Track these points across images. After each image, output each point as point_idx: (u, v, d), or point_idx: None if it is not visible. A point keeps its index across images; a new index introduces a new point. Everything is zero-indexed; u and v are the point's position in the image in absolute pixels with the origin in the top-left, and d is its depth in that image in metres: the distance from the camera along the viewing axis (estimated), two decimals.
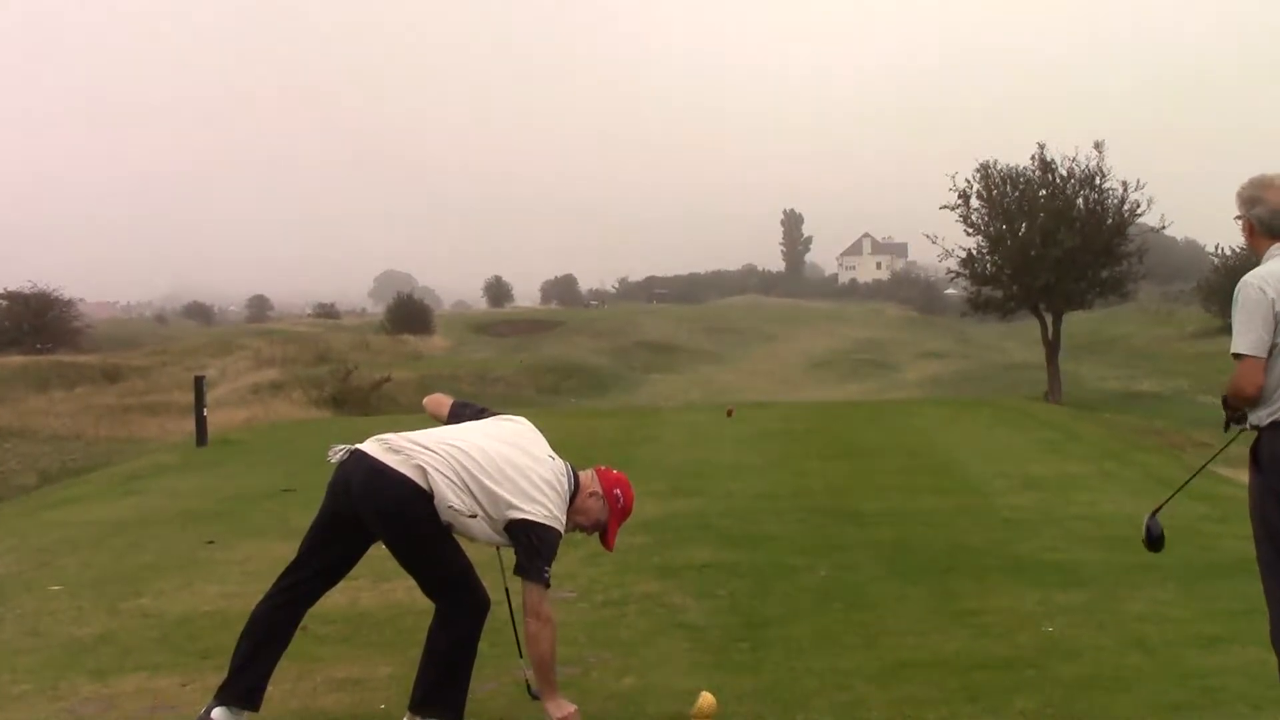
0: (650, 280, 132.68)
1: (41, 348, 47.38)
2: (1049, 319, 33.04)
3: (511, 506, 3.74)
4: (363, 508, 3.76)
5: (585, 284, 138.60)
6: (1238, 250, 50.73)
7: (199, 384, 16.19)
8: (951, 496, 9.14)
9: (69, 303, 53.11)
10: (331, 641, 5.18)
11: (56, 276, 55.38)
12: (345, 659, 4.92)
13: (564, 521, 3.89)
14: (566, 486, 3.93)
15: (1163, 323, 61.28)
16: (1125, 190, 31.69)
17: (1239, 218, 3.77)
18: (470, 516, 3.74)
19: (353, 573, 4.07)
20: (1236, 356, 3.56)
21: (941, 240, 33.66)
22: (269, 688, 3.91)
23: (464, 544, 3.87)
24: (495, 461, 3.79)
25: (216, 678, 4.00)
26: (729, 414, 17.37)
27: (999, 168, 32.94)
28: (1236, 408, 3.62)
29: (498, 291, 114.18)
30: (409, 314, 62.93)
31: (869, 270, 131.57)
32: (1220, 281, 50.53)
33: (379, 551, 3.94)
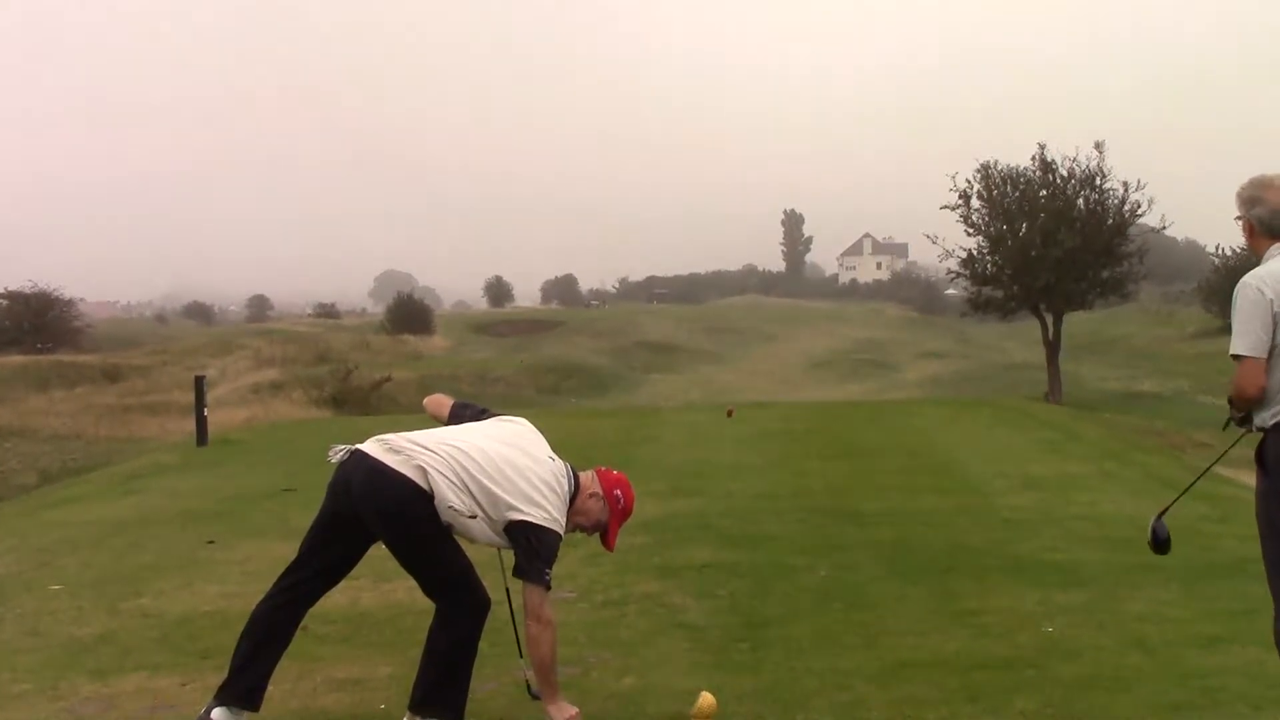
0: (650, 280, 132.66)
1: (42, 347, 47.38)
2: (1049, 319, 33.04)
3: (511, 508, 3.74)
4: (363, 508, 3.76)
5: (586, 284, 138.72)
6: (1238, 250, 50.71)
7: (199, 384, 16.19)
8: (951, 496, 9.14)
9: (69, 302, 53.09)
10: (332, 641, 5.18)
11: (57, 276, 55.44)
12: (345, 659, 4.92)
13: (564, 523, 3.89)
14: (567, 488, 3.93)
15: (1163, 323, 61.27)
16: (1126, 190, 31.74)
17: (1239, 218, 3.77)
18: (470, 517, 3.74)
19: (353, 573, 4.07)
20: (1236, 358, 3.56)
21: (942, 240, 33.71)
22: (269, 687, 3.91)
23: (464, 545, 3.87)
24: (495, 462, 3.79)
25: (216, 678, 4.00)
26: (729, 414, 17.37)
27: (999, 168, 32.96)
28: (1241, 409, 3.61)
29: (498, 291, 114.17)
30: (409, 314, 62.93)
31: (869, 270, 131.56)
32: (1221, 282, 50.52)
33: (379, 551, 3.94)
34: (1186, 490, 4.38)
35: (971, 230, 33.22)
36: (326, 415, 27.04)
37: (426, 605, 3.98)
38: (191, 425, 16.43)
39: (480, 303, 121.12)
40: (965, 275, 34.15)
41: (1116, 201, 31.92)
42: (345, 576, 4.05)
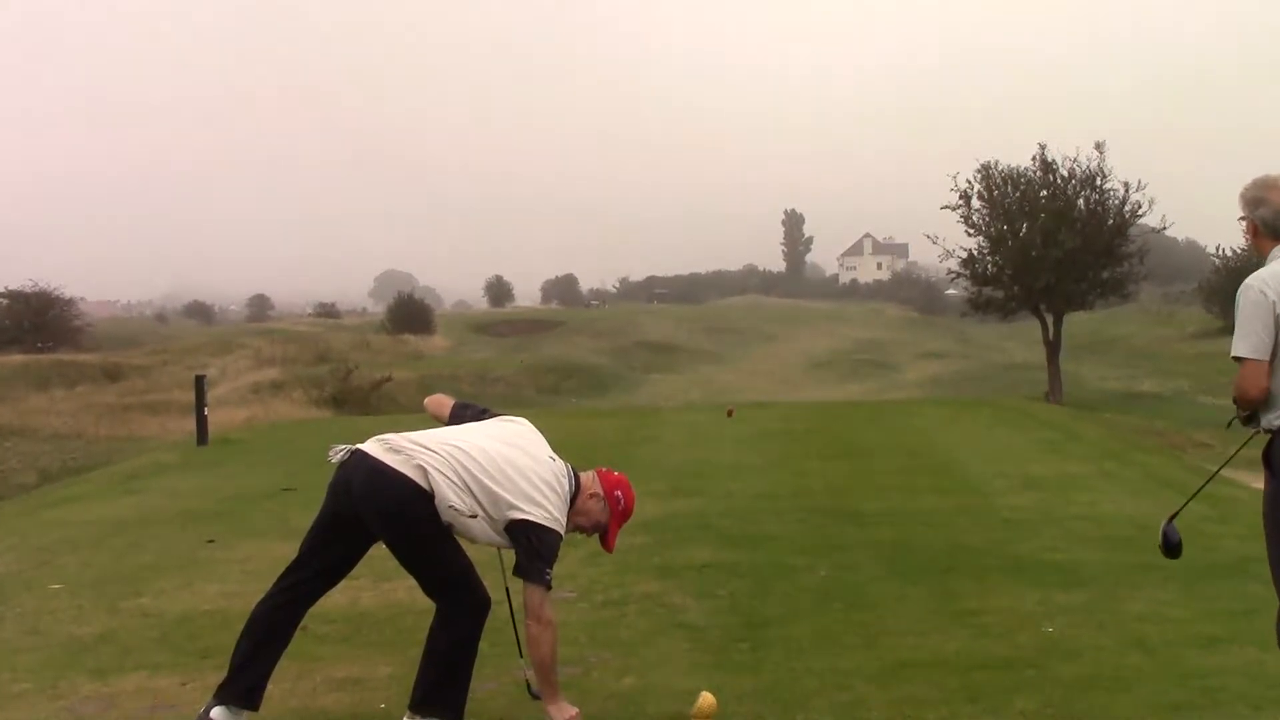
0: (651, 280, 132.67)
1: (42, 346, 47.40)
2: (1049, 319, 33.06)
3: (512, 507, 3.74)
4: (363, 508, 3.76)
5: (586, 284, 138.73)
6: (1238, 251, 50.71)
7: (199, 383, 16.20)
8: (951, 496, 9.14)
9: (69, 302, 53.11)
10: (332, 641, 5.18)
11: (57, 275, 55.38)
12: (345, 658, 4.92)
13: (564, 523, 3.89)
14: (567, 488, 3.93)
15: (1163, 323, 61.26)
16: (1126, 191, 31.77)
17: (1243, 218, 3.76)
18: (471, 517, 3.74)
19: (353, 572, 4.07)
20: (1237, 360, 3.56)
21: (942, 241, 33.73)
22: (269, 687, 3.91)
23: (464, 545, 3.87)
24: (496, 462, 3.79)
25: (216, 677, 4.00)
26: (729, 414, 17.37)
27: (1000, 168, 32.98)
28: (1245, 409, 3.62)
29: (498, 291, 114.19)
30: (409, 314, 62.95)
31: (870, 270, 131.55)
32: (1221, 282, 50.52)
33: (380, 551, 3.94)
34: (1196, 493, 4.37)
35: (972, 230, 33.26)
36: (327, 415, 27.06)
37: (426, 605, 3.98)
38: (192, 425, 16.44)
39: (480, 302, 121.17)
40: (966, 275, 34.16)
41: (1117, 202, 31.95)
42: (346, 576, 4.05)
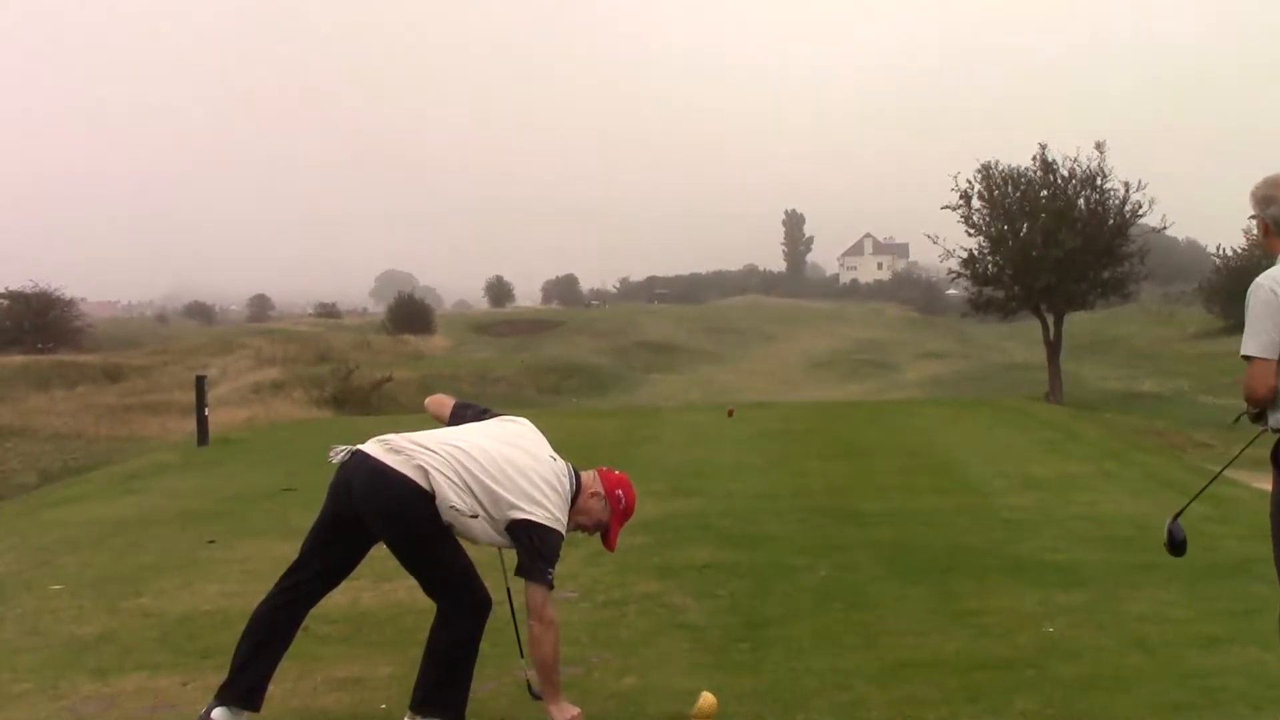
0: (651, 280, 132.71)
1: (43, 347, 47.44)
2: (1050, 319, 33.06)
3: (513, 507, 3.74)
4: (364, 508, 3.76)
5: (586, 284, 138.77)
6: (1239, 251, 50.77)
7: (200, 383, 16.19)
8: (952, 497, 9.14)
9: (70, 302, 53.14)
10: (332, 641, 5.18)
11: (58, 276, 55.42)
12: (346, 659, 4.93)
13: (566, 523, 3.89)
14: (568, 487, 3.93)
15: (1164, 323, 61.26)
16: (1126, 191, 31.79)
17: (1254, 217, 3.74)
18: (472, 517, 3.74)
19: (354, 572, 4.07)
20: (1246, 359, 3.55)
21: (943, 241, 33.76)
22: (270, 687, 3.91)
23: (465, 544, 3.87)
24: (497, 462, 3.79)
25: (217, 677, 4.00)
26: (729, 414, 17.37)
27: (1000, 168, 33.01)
28: (1254, 408, 3.61)
29: (499, 291, 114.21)
30: (410, 314, 62.95)
31: (870, 270, 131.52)
32: (1222, 282, 50.55)
33: (380, 551, 3.94)
34: (1201, 492, 4.37)
35: (972, 230, 33.28)
36: (327, 415, 27.06)
37: (427, 605, 3.98)
38: (192, 425, 16.44)
39: (481, 303, 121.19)
40: (966, 275, 34.17)
41: (1117, 202, 31.98)
42: (347, 577, 4.05)
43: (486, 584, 3.90)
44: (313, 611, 4.04)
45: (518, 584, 3.83)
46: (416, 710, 3.84)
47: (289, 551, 4.12)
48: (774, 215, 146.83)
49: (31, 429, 23.77)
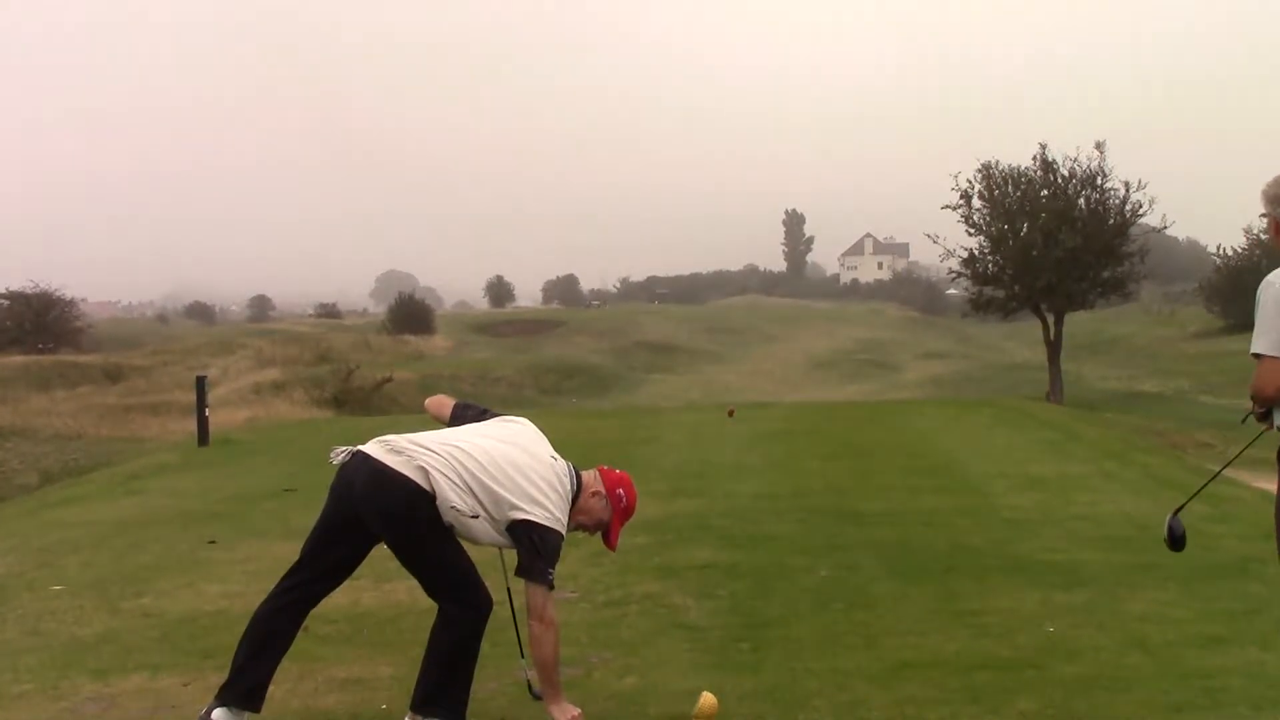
0: (652, 280, 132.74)
1: (43, 347, 47.44)
2: (1050, 319, 33.05)
3: (514, 507, 3.75)
4: (365, 509, 3.76)
5: (587, 284, 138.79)
6: (1239, 250, 50.79)
7: (200, 384, 16.20)
8: (952, 497, 9.14)
9: (70, 302, 53.16)
10: (333, 641, 5.18)
11: (58, 276, 55.57)
12: (347, 659, 4.93)
13: (566, 523, 3.90)
14: (569, 487, 3.93)
15: (1164, 323, 61.27)
16: (1127, 190, 31.78)
17: (1264, 215, 3.73)
18: (472, 517, 3.74)
19: (355, 573, 4.07)
20: (1256, 357, 3.54)
21: (943, 240, 33.76)
22: (270, 688, 3.91)
23: (466, 545, 3.88)
24: (497, 462, 3.80)
25: (218, 678, 4.00)
26: (730, 414, 17.37)
27: (1000, 168, 33.00)
28: (1262, 406, 3.60)
29: (499, 292, 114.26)
30: (410, 314, 62.96)
31: (870, 270, 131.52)
32: (1222, 282, 50.57)
33: (381, 552, 3.94)
34: (1202, 488, 4.38)
35: (973, 230, 33.27)
36: (328, 415, 27.06)
37: (428, 605, 3.98)
38: (193, 425, 16.44)
39: (481, 303, 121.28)
40: (966, 275, 34.17)
41: (1118, 201, 31.97)
42: (348, 578, 4.05)
43: (487, 584, 3.90)
44: (313, 612, 4.04)
45: (518, 584, 3.84)
46: (417, 710, 3.85)
47: (289, 552, 4.12)
48: (774, 215, 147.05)
49: (32, 429, 23.77)
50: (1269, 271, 3.62)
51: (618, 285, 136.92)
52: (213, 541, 7.88)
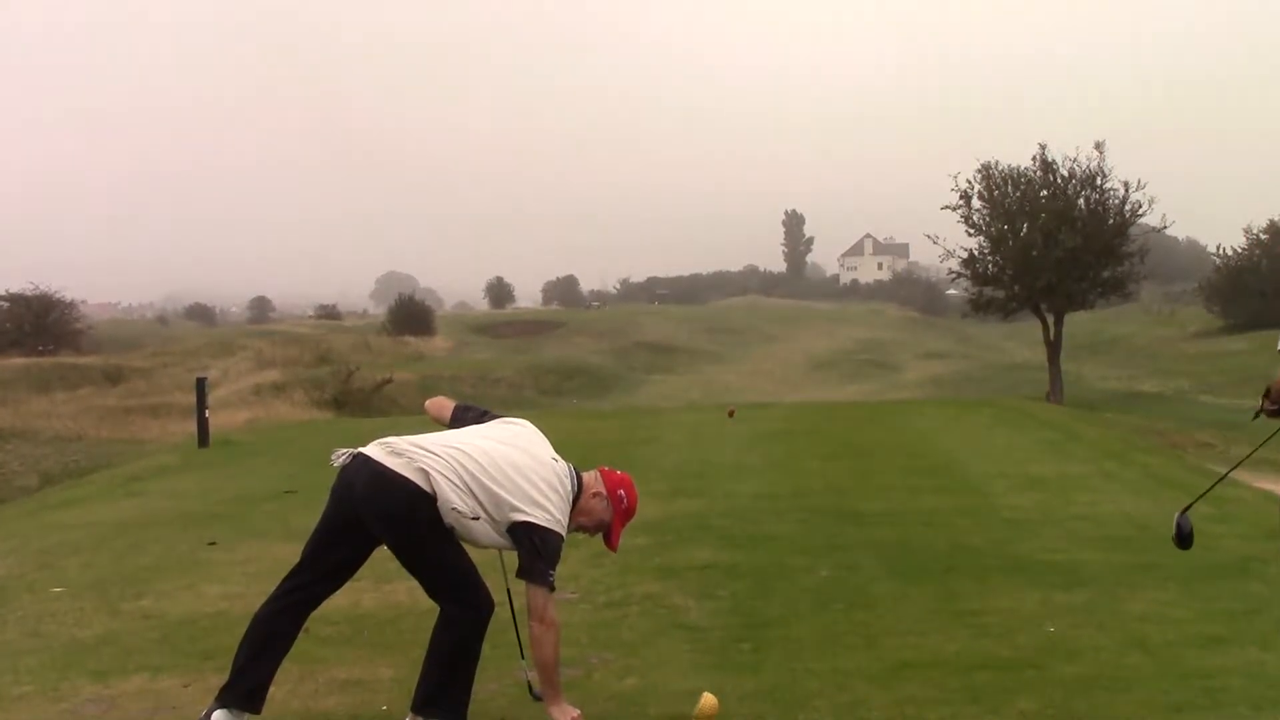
0: (652, 281, 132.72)
1: (43, 349, 47.40)
2: (1050, 319, 33.06)
3: (515, 509, 3.75)
4: (366, 511, 3.77)
5: (587, 284, 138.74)
6: (1239, 250, 50.76)
7: (200, 385, 16.18)
8: (952, 497, 9.14)
9: (70, 304, 53.07)
10: (333, 643, 5.18)
11: (58, 278, 55.39)
12: (347, 660, 4.93)
13: (567, 524, 3.90)
14: (569, 488, 3.94)
15: (1164, 323, 61.26)
16: (1126, 190, 31.79)
17: None
18: (473, 519, 3.74)
19: (355, 574, 4.07)
20: None
21: (943, 241, 33.76)
22: (271, 689, 3.91)
23: (467, 546, 3.88)
24: (498, 464, 3.80)
25: (218, 679, 4.01)
26: (730, 415, 17.37)
27: (1000, 168, 33.01)
28: (1276, 403, 3.59)
29: (499, 292, 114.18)
30: (410, 315, 62.92)
31: (870, 271, 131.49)
32: (1222, 282, 50.54)
33: (381, 553, 3.95)
34: (1212, 487, 4.38)
35: (972, 230, 33.28)
36: (328, 416, 27.05)
37: (428, 606, 3.99)
38: (193, 427, 16.43)
39: (481, 304, 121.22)
40: (966, 275, 34.17)
41: (1117, 201, 31.98)
42: (349, 579, 4.05)
43: (487, 585, 3.90)
44: (314, 613, 4.04)
45: (518, 586, 3.84)
46: (418, 711, 3.85)
47: (290, 553, 4.12)
48: (774, 215, 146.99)
49: (32, 431, 23.76)
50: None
51: (618, 286, 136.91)
52: (213, 543, 7.87)
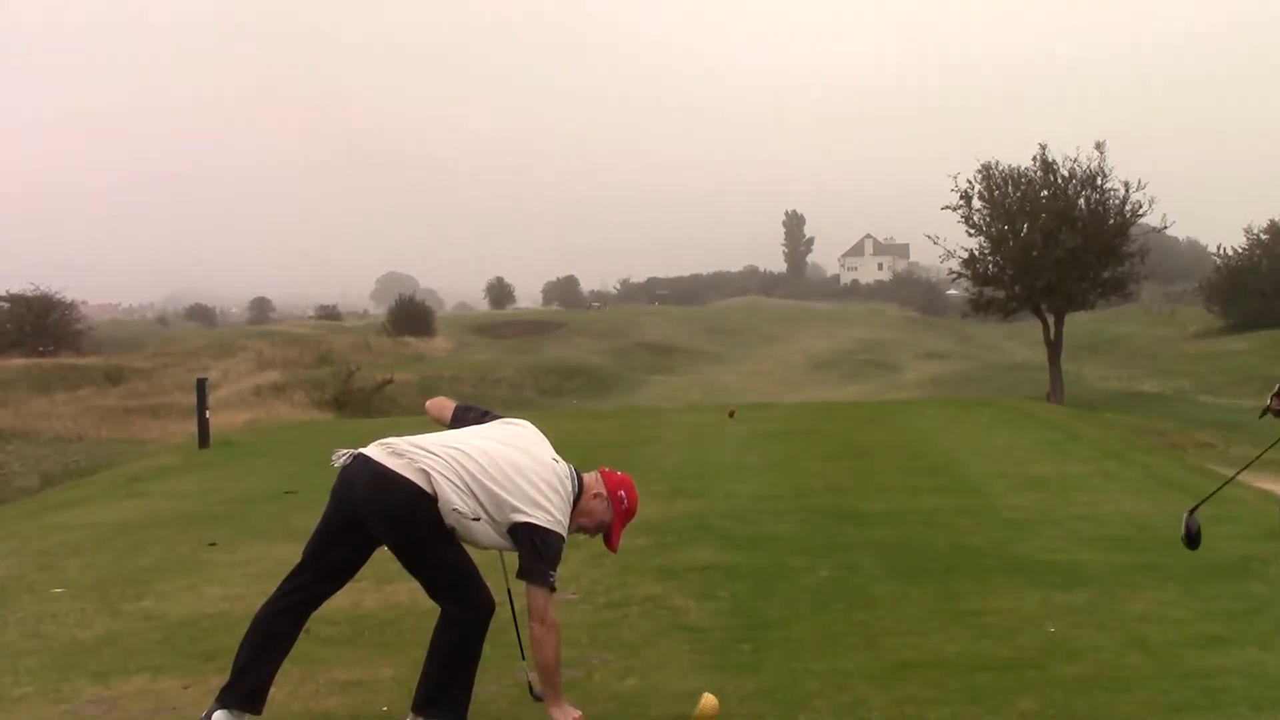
0: (652, 281, 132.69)
1: (44, 350, 47.38)
2: (1050, 319, 33.05)
3: (515, 510, 3.75)
4: (366, 511, 3.77)
5: (587, 285, 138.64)
6: (1239, 250, 50.74)
7: (201, 386, 16.19)
8: (952, 497, 9.14)
9: (71, 305, 53.07)
10: (334, 643, 5.18)
11: (58, 279, 55.36)
12: (348, 661, 4.93)
13: (567, 525, 3.90)
14: (570, 489, 3.94)
15: (1164, 323, 61.24)
16: (1126, 190, 31.78)
17: None
18: (474, 520, 3.75)
19: (356, 575, 4.07)
20: None
21: (943, 241, 33.75)
22: (271, 690, 3.92)
23: (467, 547, 3.88)
24: (499, 464, 3.80)
25: (219, 680, 4.01)
26: (730, 415, 17.36)
27: (1000, 168, 33.00)
28: None
29: (499, 293, 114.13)
30: (410, 315, 62.88)
31: (870, 271, 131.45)
32: (1222, 282, 50.53)
33: (382, 553, 3.95)
34: (1221, 488, 4.38)
35: (973, 231, 33.27)
36: (328, 417, 27.06)
37: (429, 607, 3.99)
38: (193, 427, 16.44)
39: (481, 304, 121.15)
40: (967, 276, 34.17)
41: (1117, 201, 31.97)
42: (350, 580, 4.05)
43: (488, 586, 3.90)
44: (314, 614, 4.04)
45: (519, 586, 3.84)
46: (419, 712, 3.85)
47: (290, 554, 4.13)
48: (774, 215, 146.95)
49: (33, 432, 23.77)
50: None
51: (618, 286, 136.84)
52: (213, 544, 7.88)
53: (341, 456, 3.87)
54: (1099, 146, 31.95)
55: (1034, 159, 32.85)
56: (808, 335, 69.56)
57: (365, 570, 4.12)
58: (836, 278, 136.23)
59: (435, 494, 3.71)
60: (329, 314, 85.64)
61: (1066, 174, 32.31)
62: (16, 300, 50.80)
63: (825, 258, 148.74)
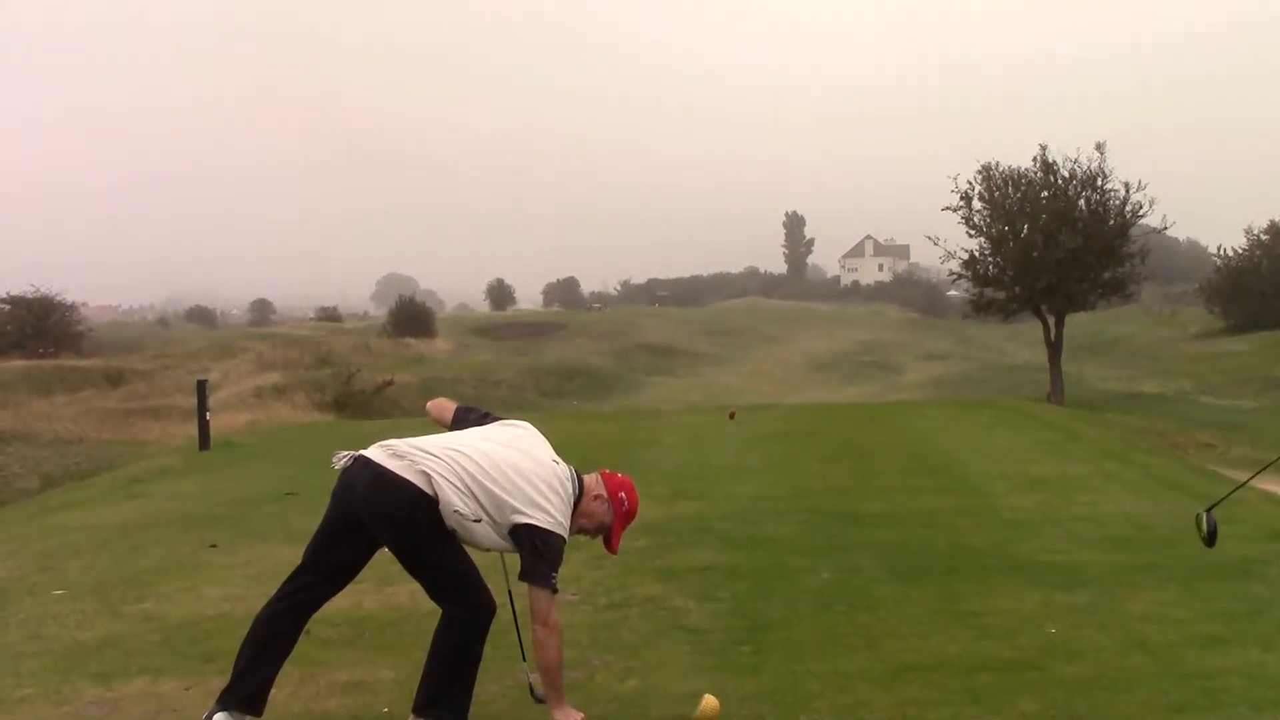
0: (652, 283, 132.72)
1: (44, 351, 47.37)
2: (1051, 320, 33.05)
3: (516, 511, 3.76)
4: (367, 513, 3.77)
5: (587, 286, 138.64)
6: (1239, 251, 50.76)
7: (201, 387, 16.18)
8: (953, 498, 9.14)
9: (71, 306, 53.07)
10: (335, 645, 5.18)
11: (58, 280, 55.35)
12: (348, 662, 4.93)
13: (568, 526, 3.90)
14: (570, 490, 3.94)
15: (1165, 324, 61.25)
16: (1127, 191, 31.77)
17: None
18: (475, 521, 3.75)
19: (357, 576, 4.08)
20: None
21: (943, 242, 33.75)
22: (272, 692, 3.92)
23: (468, 548, 3.88)
24: (499, 466, 3.80)
25: (219, 681, 4.01)
26: (730, 416, 17.35)
27: (1000, 169, 33.00)
28: None
29: (500, 294, 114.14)
30: (411, 317, 62.88)
31: (871, 272, 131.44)
32: (1222, 282, 50.54)
33: (382, 555, 3.95)
34: (1235, 490, 4.37)
35: (973, 231, 33.26)
36: (329, 419, 27.06)
37: (430, 608, 3.99)
38: (194, 429, 16.43)
39: (482, 305, 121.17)
40: (967, 276, 34.16)
41: (1118, 202, 31.96)
42: (350, 582, 4.05)
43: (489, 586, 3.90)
44: (315, 615, 4.04)
45: (520, 587, 3.84)
46: (419, 713, 3.85)
47: (291, 555, 4.13)
48: (774, 217, 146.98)
49: (33, 433, 23.75)
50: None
51: (618, 288, 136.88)
52: (214, 545, 7.88)
53: (342, 458, 3.87)
54: (1099, 147, 31.99)
55: (1034, 160, 32.88)
56: (808, 336, 69.56)
57: (366, 572, 4.12)
58: (837, 279, 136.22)
59: (436, 496, 3.72)
60: (329, 315, 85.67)
61: (1067, 175, 32.31)
62: (17, 302, 50.79)
63: (825, 258, 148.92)
